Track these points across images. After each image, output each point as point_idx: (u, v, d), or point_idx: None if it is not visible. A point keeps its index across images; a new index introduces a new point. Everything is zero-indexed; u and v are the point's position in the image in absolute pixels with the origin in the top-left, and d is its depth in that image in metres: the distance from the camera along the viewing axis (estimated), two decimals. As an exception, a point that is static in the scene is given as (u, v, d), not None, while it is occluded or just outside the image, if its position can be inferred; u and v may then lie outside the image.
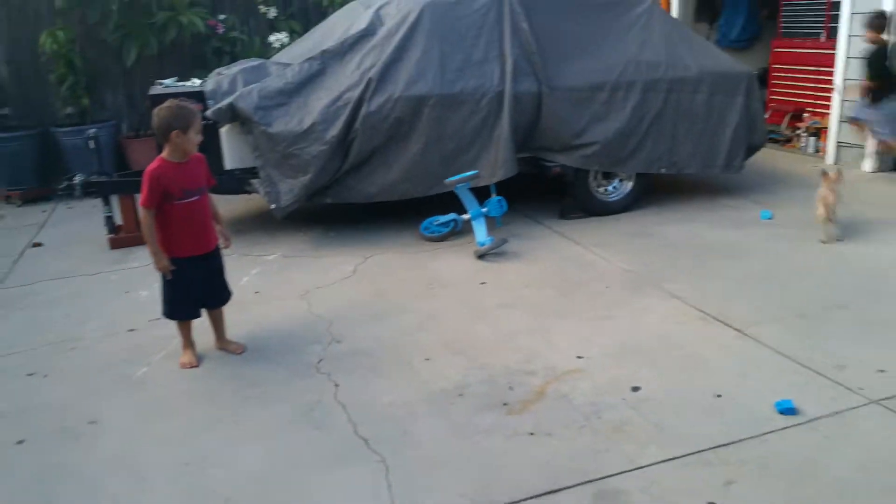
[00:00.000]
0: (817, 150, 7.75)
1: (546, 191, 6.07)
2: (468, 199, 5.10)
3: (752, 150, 6.14)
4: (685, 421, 2.91)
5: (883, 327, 3.66)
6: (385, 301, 4.25)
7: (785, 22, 8.36)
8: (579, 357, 3.47)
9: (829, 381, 3.17)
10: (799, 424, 2.85)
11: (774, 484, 2.51)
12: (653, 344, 3.59)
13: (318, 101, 5.10)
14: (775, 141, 8.23)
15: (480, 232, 4.99)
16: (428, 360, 3.50)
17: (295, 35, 7.85)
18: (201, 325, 3.63)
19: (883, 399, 2.99)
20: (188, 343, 3.57)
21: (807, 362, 3.33)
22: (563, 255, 4.97)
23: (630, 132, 5.59)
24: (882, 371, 3.21)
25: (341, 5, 6.84)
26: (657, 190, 6.22)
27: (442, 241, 5.27)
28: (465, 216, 5.19)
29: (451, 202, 5.28)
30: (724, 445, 2.73)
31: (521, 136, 5.39)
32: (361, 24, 5.45)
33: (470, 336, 3.75)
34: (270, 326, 3.94)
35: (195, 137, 3.31)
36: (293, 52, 6.12)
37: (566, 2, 5.78)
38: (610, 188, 5.91)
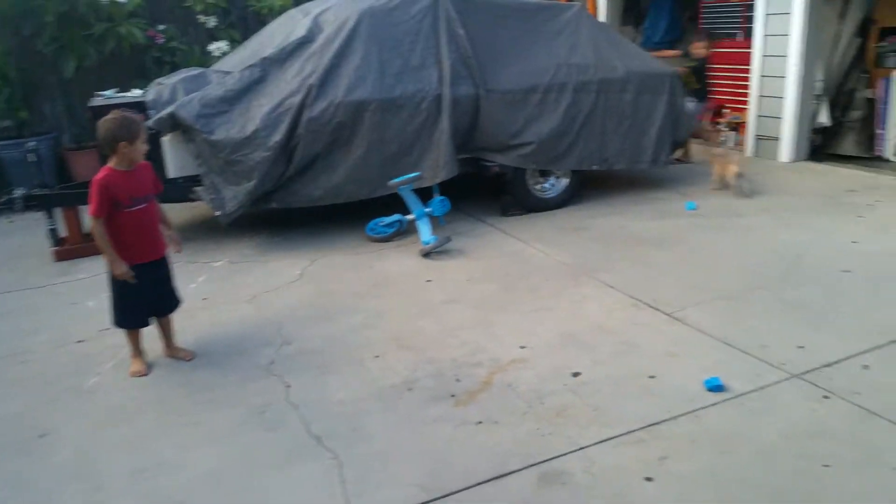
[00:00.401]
0: (737, 143, 8.16)
1: (487, 190, 6.24)
2: (412, 200, 5.22)
3: (677, 145, 6.45)
4: (622, 402, 3.09)
5: (800, 307, 3.95)
6: (333, 301, 4.33)
7: (704, 24, 8.76)
8: (522, 347, 3.63)
9: (753, 358, 3.41)
10: (727, 400, 3.06)
11: (705, 456, 2.71)
12: (590, 331, 3.78)
13: (259, 108, 5.14)
14: (697, 137, 8.61)
15: (425, 231, 5.12)
16: (377, 356, 3.60)
17: (235, 44, 7.83)
18: (150, 332, 3.65)
19: (803, 373, 3.24)
20: (138, 351, 3.59)
21: (732, 342, 3.57)
22: (504, 250, 5.14)
23: (563, 132, 5.82)
24: (801, 347, 3.47)
25: (280, 13, 6.86)
26: (591, 185, 6.47)
27: (387, 241, 5.38)
28: (410, 216, 5.31)
29: (395, 203, 5.39)
30: (657, 423, 2.92)
31: (460, 137, 5.54)
32: (300, 31, 5.51)
33: (417, 332, 3.87)
34: (220, 332, 3.98)
35: (142, 147, 3.34)
36: (233, 61, 6.12)
37: (499, 8, 5.97)
38: (547, 185, 6.12)
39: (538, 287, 4.44)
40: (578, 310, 4.07)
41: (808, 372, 3.25)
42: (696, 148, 7.62)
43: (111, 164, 3.33)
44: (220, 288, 4.63)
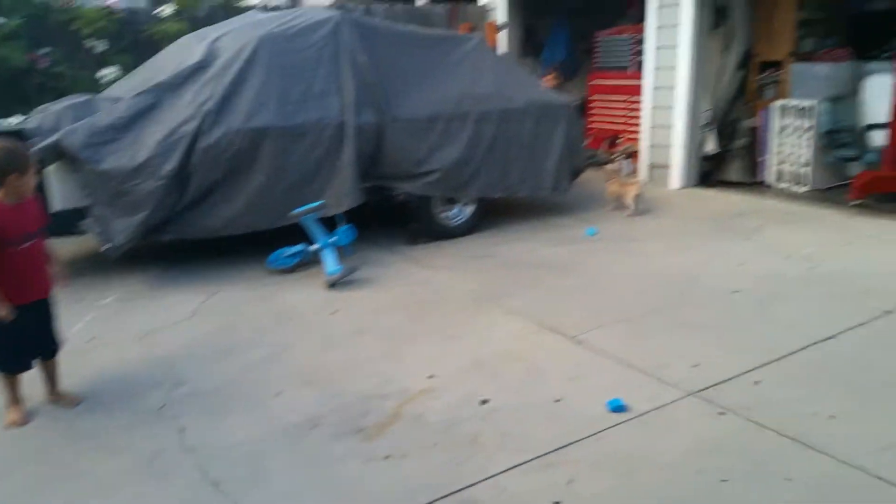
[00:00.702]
0: (632, 172, 8.50)
1: (394, 218, 6.22)
2: (316, 230, 5.12)
3: (576, 173, 6.66)
4: (530, 427, 3.10)
5: (694, 327, 4.10)
6: (232, 337, 4.15)
7: (599, 56, 9.14)
8: (431, 377, 3.58)
9: (652, 378, 3.50)
10: (629, 420, 3.12)
11: (610, 477, 2.74)
12: (498, 358, 3.78)
13: (151, 136, 4.93)
14: (597, 164, 8.93)
15: (330, 261, 5.02)
16: (279, 394, 3.46)
17: (126, 69, 7.50)
18: (28, 377, 3.37)
19: (699, 391, 3.34)
20: (16, 399, 3.29)
21: (633, 363, 3.66)
22: (412, 279, 5.11)
23: (467, 160, 5.89)
24: (696, 366, 3.60)
25: (175, 38, 6.65)
26: (495, 212, 6.56)
27: (290, 272, 5.24)
28: (314, 246, 5.19)
29: (299, 233, 5.27)
30: (564, 447, 2.94)
31: (365, 165, 5.50)
32: (195, 56, 5.35)
33: (322, 366, 3.76)
34: (107, 374, 3.72)
35: (32, 179, 3.15)
36: (124, 87, 5.86)
37: (402, 37, 6.03)
38: (453, 213, 6.16)
39: (447, 315, 4.42)
40: (486, 337, 4.08)
41: (703, 389, 3.36)
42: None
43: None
44: (109, 327, 4.36)
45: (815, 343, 3.80)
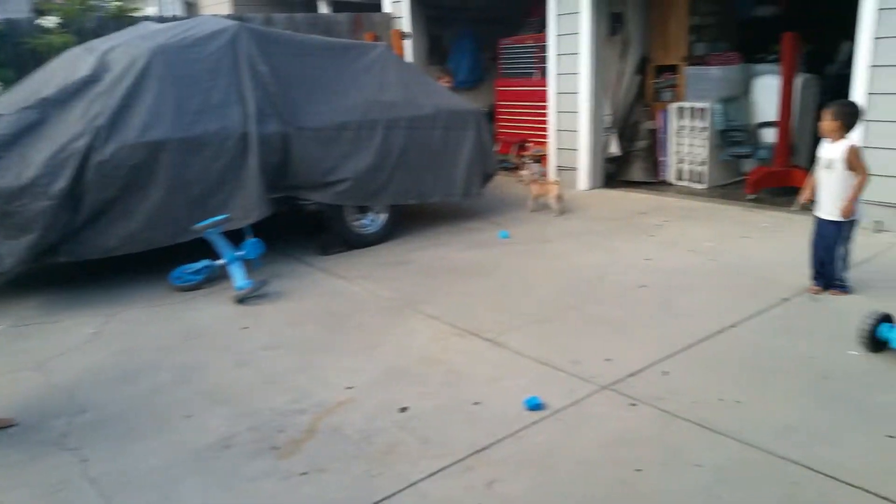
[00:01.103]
0: (542, 175, 8.67)
1: (305, 229, 6.10)
2: (221, 244, 4.95)
3: (487, 177, 6.73)
4: (450, 432, 3.08)
5: (605, 322, 4.20)
6: (135, 360, 3.95)
7: (504, 64, 9.30)
8: (349, 388, 3.52)
9: (567, 374, 3.55)
10: (546, 417, 3.16)
11: (529, 475, 2.75)
12: (417, 364, 3.76)
13: (38, 153, 4.64)
14: (507, 169, 9.08)
15: (238, 276, 4.86)
16: (189, 416, 3.31)
17: (8, 84, 7.04)
18: None
19: (611, 384, 3.42)
20: None
21: (548, 361, 3.71)
22: (326, 290, 5.02)
23: (378, 167, 5.85)
24: (609, 360, 3.68)
25: (61, 51, 6.30)
26: (409, 219, 6.54)
27: (196, 289, 5.04)
28: (221, 261, 5.02)
29: (204, 248, 5.08)
30: (484, 449, 2.93)
31: (271, 176, 5.36)
32: (85, 69, 5.08)
33: (234, 383, 3.63)
34: (4, 406, 3.45)
35: None
36: (7, 102, 5.50)
37: (304, 46, 5.94)
38: (366, 221, 6.10)
39: (363, 324, 4.36)
40: (404, 344, 4.04)
41: (616, 382, 3.44)
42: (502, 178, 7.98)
43: None
44: (2, 356, 4.07)
45: (718, 332, 3.95)
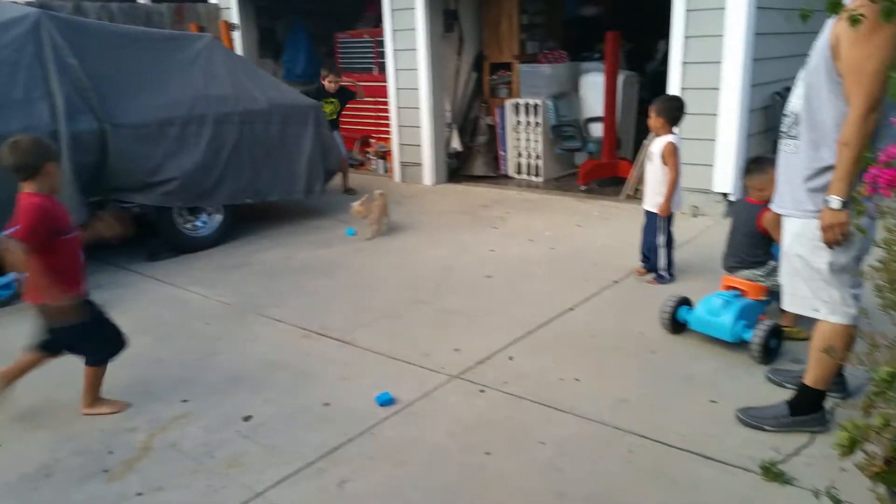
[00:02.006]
0: (386, 171, 8.68)
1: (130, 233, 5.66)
2: (33, 255, 4.47)
3: (330, 174, 6.60)
4: (298, 436, 2.98)
5: (453, 314, 4.25)
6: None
7: (342, 58, 9.17)
8: (185, 401, 3.32)
9: (417, 367, 3.55)
10: (398, 412, 3.13)
11: (383, 470, 2.72)
12: (261, 370, 3.60)
13: None
14: (351, 165, 8.97)
15: (54, 289, 4.41)
16: (-1, 445, 2.97)
17: None
18: None
19: (461, 373, 3.46)
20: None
21: (398, 355, 3.69)
22: (155, 298, 4.70)
23: (209, 165, 5.55)
24: (457, 350, 3.72)
25: None
26: (249, 219, 6.28)
27: (5, 305, 4.53)
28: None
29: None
30: (335, 449, 2.86)
31: (88, 178, 4.92)
32: None
33: (53, 405, 3.30)
34: None
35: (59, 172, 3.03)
36: None
37: (119, 37, 5.51)
38: (199, 223, 5.77)
39: (199, 333, 4.12)
40: (246, 350, 3.86)
41: (465, 371, 3.48)
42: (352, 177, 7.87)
43: (34, 189, 2.93)
44: None
45: (557, 316, 4.12)
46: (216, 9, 9.31)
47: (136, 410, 3.24)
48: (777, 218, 3.09)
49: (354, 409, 3.17)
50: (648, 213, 4.60)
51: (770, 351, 3.41)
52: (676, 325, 3.77)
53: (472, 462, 2.74)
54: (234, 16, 9.22)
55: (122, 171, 5.13)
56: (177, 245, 5.58)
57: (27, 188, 2.93)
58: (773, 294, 3.56)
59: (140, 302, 4.63)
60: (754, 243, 3.72)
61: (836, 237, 2.46)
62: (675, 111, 4.44)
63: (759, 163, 3.77)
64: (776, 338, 3.44)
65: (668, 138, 4.41)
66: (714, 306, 3.59)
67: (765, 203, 3.52)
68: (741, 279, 3.71)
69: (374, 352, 3.76)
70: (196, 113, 5.51)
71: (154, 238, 5.48)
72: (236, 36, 9.12)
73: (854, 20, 1.92)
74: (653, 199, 4.53)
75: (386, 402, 3.20)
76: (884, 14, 1.76)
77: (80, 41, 5.13)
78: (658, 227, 4.52)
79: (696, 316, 3.66)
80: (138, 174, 5.19)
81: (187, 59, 5.73)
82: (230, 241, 5.90)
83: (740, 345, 3.50)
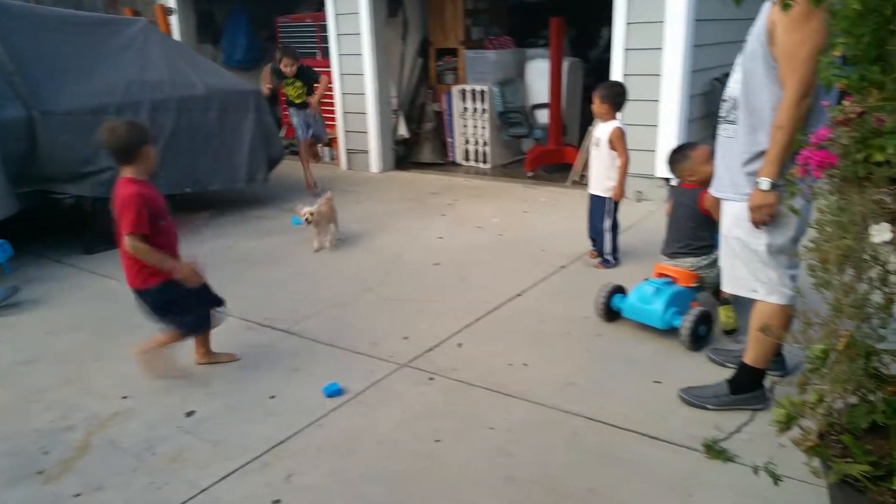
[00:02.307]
0: (332, 158, 8.57)
1: (64, 225, 5.46)
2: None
3: (273, 162, 6.47)
4: (243, 430, 2.92)
5: (402, 301, 4.22)
6: None
7: (283, 43, 8.97)
8: (125, 398, 3.22)
9: (365, 356, 3.52)
10: (346, 403, 3.10)
11: (330, 462, 2.69)
12: (203, 365, 3.51)
13: None
14: (296, 153, 8.81)
15: (-18, 284, 4.23)
16: (-77, 450, 2.83)
17: None
18: None
19: (409, 361, 3.44)
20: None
21: (346, 345, 3.65)
22: (93, 292, 4.54)
23: (147, 154, 5.37)
24: (406, 338, 3.70)
25: None
26: (189, 209, 6.10)
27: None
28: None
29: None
30: (282, 442, 2.82)
31: (16, 168, 4.71)
32: None
33: (-18, 408, 3.16)
34: None
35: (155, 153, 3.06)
36: None
37: (48, 20, 5.29)
38: (137, 214, 5.59)
39: (139, 327, 3.93)
40: (187, 343, 3.73)
41: (414, 359, 3.47)
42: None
43: (131, 174, 2.97)
44: None
45: (506, 301, 4.14)
46: (151, -8, 9.02)
47: (74, 407, 3.14)
48: (717, 199, 3.19)
49: (301, 401, 3.13)
50: (594, 198, 4.64)
51: (699, 338, 3.43)
52: (611, 313, 3.79)
53: (421, 450, 2.73)
54: (170, -1, 8.94)
55: (54, 161, 4.93)
56: (114, 237, 5.38)
57: (125, 173, 2.98)
58: (709, 283, 3.65)
59: (76, 296, 4.47)
60: (698, 226, 3.70)
61: (763, 218, 2.52)
62: (618, 97, 4.47)
63: (680, 150, 3.83)
64: (705, 324, 3.46)
65: (614, 123, 4.44)
66: (645, 294, 3.60)
67: (701, 185, 3.56)
68: (674, 267, 3.72)
69: (321, 342, 3.71)
70: (131, 99, 5.32)
71: (90, 230, 5.27)
72: (173, 20, 8.84)
73: (785, 5, 1.96)
74: (600, 183, 4.57)
75: (334, 393, 3.16)
76: (813, 0, 1.80)
77: (5, 23, 4.90)
78: (605, 211, 4.56)
79: (629, 304, 3.67)
80: (71, 164, 4.99)
81: (121, 44, 5.54)
82: (171, 231, 5.74)
83: (672, 331, 3.55)
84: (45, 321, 4.09)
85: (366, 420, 2.96)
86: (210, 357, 3.50)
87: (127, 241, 2.94)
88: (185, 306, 3.22)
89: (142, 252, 2.97)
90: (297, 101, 7.00)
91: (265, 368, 3.45)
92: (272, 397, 3.18)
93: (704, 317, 3.44)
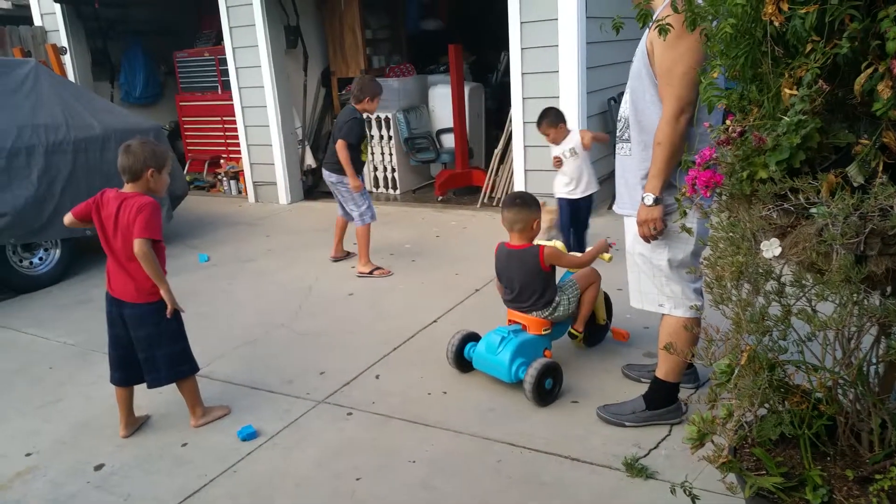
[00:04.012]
0: (240, 192, 8.39)
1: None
2: None
3: (176, 199, 6.28)
4: (155, 481, 2.82)
5: (316, 335, 4.17)
6: None
7: (182, 77, 8.76)
8: (28, 455, 3.07)
9: (280, 395, 3.45)
10: (262, 445, 3.03)
11: (248, 508, 2.61)
12: (111, 414, 3.34)
13: None
14: (201, 188, 8.61)
15: None
16: None
17: None
18: None
19: (327, 398, 3.40)
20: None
21: (260, 384, 3.57)
22: (-14, 347, 4.27)
23: (43, 198, 5.16)
24: (322, 373, 3.65)
25: None
26: (92, 252, 5.83)
27: None
28: None
29: None
30: (196, 492, 2.73)
31: None
32: None
33: None
34: None
35: (167, 179, 3.14)
36: None
37: None
38: (35, 260, 5.36)
39: (40, 379, 3.80)
40: (93, 393, 3.60)
41: (331, 395, 3.43)
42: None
43: (134, 190, 3.01)
44: None
45: (422, 329, 4.15)
46: (42, 31, 8.63)
47: (-31, 474, 2.93)
48: (556, 251, 3.35)
49: (215, 446, 3.04)
50: (582, 201, 4.88)
51: (546, 392, 3.17)
52: (463, 363, 3.50)
53: (342, 490, 2.69)
54: (62, 38, 8.57)
55: (-57, 209, 4.64)
56: (12, 285, 5.17)
57: (129, 188, 3.03)
58: (558, 325, 3.48)
59: (-33, 352, 4.19)
60: (540, 283, 3.33)
61: (650, 231, 2.63)
62: (559, 113, 4.88)
63: (515, 200, 3.38)
64: (551, 377, 3.19)
65: (576, 129, 4.96)
66: (492, 343, 3.32)
67: (531, 242, 3.35)
68: (523, 314, 3.41)
69: (234, 383, 3.62)
70: (23, 144, 5.11)
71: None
72: (66, 60, 8.49)
73: (662, 30, 2.08)
74: (593, 186, 4.89)
75: (248, 436, 3.08)
76: (688, 24, 1.92)
77: None
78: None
79: (478, 353, 3.40)
80: (-38, 212, 4.71)
81: (10, 87, 5.30)
82: (72, 276, 5.51)
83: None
84: (-67, 381, 3.81)
85: (283, 462, 2.90)
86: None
87: (139, 245, 2.92)
88: (180, 331, 3.22)
89: (149, 258, 2.95)
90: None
91: (175, 415, 3.33)
92: (184, 445, 3.08)
93: (549, 369, 3.18)
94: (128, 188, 3.05)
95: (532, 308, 3.37)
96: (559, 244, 3.57)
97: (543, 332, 3.40)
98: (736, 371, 1.83)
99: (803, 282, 1.79)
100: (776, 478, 1.84)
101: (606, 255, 3.54)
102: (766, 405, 1.91)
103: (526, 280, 3.34)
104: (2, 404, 3.54)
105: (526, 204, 3.34)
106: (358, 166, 5.18)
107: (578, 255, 3.61)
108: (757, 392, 1.80)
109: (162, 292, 3.03)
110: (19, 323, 4.61)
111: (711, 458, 1.85)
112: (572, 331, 3.55)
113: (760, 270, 1.80)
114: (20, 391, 3.67)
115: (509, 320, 3.49)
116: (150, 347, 3.08)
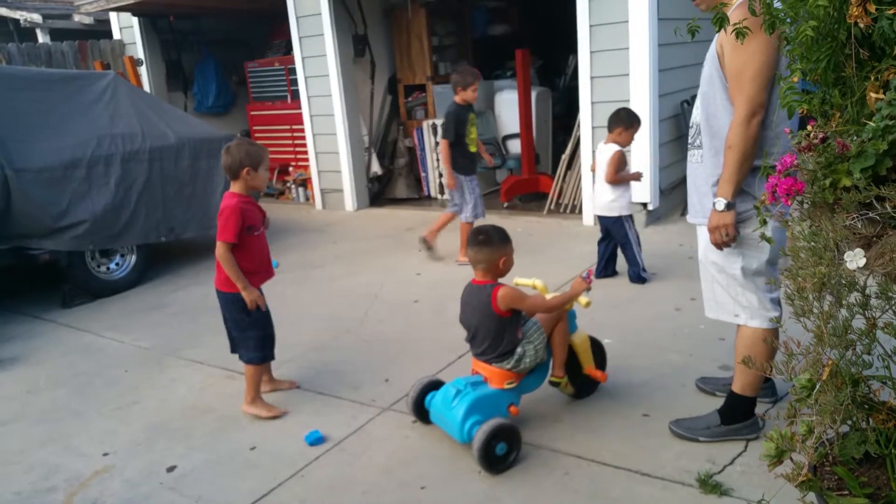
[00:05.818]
0: (307, 199, 8.55)
1: (39, 281, 5.38)
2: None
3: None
4: (226, 484, 2.87)
5: (381, 342, 4.19)
6: None
7: (254, 88, 9.02)
8: (106, 455, 3.17)
9: (347, 401, 3.47)
10: (329, 450, 3.05)
11: (315, 514, 2.63)
12: (183, 416, 3.46)
13: None
14: (270, 195, 8.82)
15: (-47, 347, 4.11)
16: None
17: None
18: None
19: (392, 405, 3.40)
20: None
21: (326, 390, 3.60)
22: (71, 347, 4.47)
23: (119, 205, 5.36)
24: (387, 380, 3.66)
25: None
26: (165, 258, 6.06)
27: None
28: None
29: None
30: (265, 496, 2.76)
31: (-8, 226, 4.66)
32: None
33: (-42, 476, 3.07)
34: None
35: (265, 175, 3.34)
36: None
37: (15, 80, 5.28)
38: (112, 265, 5.56)
39: (118, 381, 3.94)
40: (167, 396, 3.71)
41: (396, 402, 3.42)
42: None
43: (236, 189, 3.29)
44: None
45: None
46: (120, 45, 9.05)
47: (55, 468, 3.07)
48: (512, 292, 2.88)
49: (283, 451, 3.07)
50: (614, 220, 4.78)
51: (496, 458, 2.75)
52: (424, 413, 3.12)
53: (408, 498, 2.68)
54: (139, 51, 8.96)
55: (28, 217, 4.89)
56: (91, 289, 5.36)
57: (232, 187, 3.31)
58: (533, 374, 3.08)
59: (54, 352, 4.40)
60: (497, 329, 2.91)
61: (722, 238, 2.53)
62: (629, 114, 4.75)
63: (476, 236, 3.03)
64: (503, 441, 2.76)
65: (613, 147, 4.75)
66: (448, 397, 2.94)
67: (494, 280, 2.97)
68: (485, 364, 2.99)
69: (302, 389, 3.66)
70: (102, 153, 5.31)
71: (66, 284, 5.24)
72: (142, 71, 8.87)
73: (740, 34, 2.00)
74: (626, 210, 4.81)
75: (316, 441, 3.11)
76: (766, 28, 1.84)
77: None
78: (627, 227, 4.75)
79: (434, 406, 3.04)
80: (45, 219, 4.95)
81: (91, 99, 5.54)
82: (146, 281, 5.70)
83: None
84: (24, 379, 4.02)
85: (349, 468, 2.91)
86: (270, 385, 3.65)
87: (217, 247, 3.24)
88: (258, 323, 3.40)
89: (223, 259, 3.24)
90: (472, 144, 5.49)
91: (245, 419, 3.40)
92: (252, 448, 3.13)
93: (501, 432, 2.75)
94: (232, 187, 3.32)
95: (489, 357, 2.95)
96: (538, 283, 3.18)
97: (507, 386, 2.96)
98: (817, 386, 1.74)
99: (890, 294, 1.69)
100: (861, 499, 1.74)
101: (584, 300, 3.02)
102: (849, 422, 1.82)
103: (480, 321, 2.94)
104: (83, 404, 3.68)
105: (489, 241, 2.95)
106: (466, 160, 5.46)
107: (549, 296, 3.07)
108: (839, 408, 1.71)
109: (239, 288, 3.27)
110: (98, 327, 4.80)
111: (790, 477, 1.77)
112: (553, 378, 3.15)
113: (843, 282, 1.72)
114: (99, 392, 3.81)
115: (472, 370, 3.07)
116: (234, 329, 3.44)
